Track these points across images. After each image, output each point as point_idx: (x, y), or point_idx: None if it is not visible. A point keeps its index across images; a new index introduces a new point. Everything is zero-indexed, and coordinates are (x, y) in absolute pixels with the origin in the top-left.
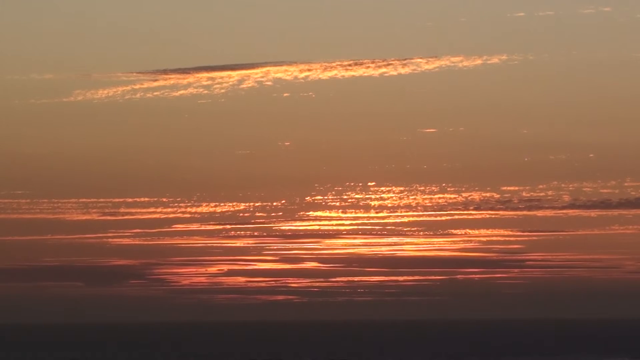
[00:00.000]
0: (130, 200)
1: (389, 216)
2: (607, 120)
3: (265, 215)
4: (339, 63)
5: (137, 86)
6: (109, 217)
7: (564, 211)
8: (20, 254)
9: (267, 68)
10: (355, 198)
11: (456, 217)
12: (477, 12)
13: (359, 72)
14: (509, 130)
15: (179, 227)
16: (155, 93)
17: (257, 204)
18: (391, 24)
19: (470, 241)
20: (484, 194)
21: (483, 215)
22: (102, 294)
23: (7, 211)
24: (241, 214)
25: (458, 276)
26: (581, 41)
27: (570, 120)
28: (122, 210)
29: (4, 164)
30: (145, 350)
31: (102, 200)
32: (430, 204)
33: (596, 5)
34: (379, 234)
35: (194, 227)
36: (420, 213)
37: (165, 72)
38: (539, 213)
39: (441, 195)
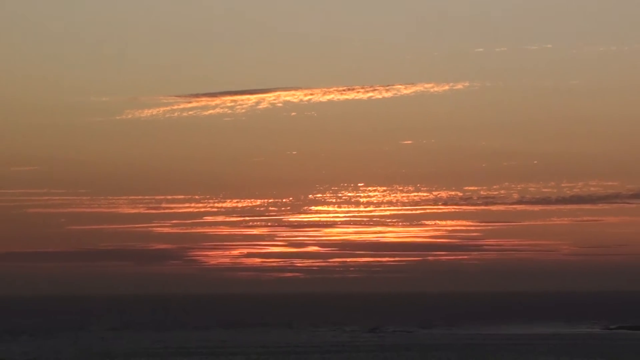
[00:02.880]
0: (169, 197)
1: (374, 210)
2: (548, 134)
3: (276, 209)
4: (335, 88)
5: (175, 107)
6: (152, 211)
7: (513, 206)
8: (83, 240)
9: (278, 92)
10: (348, 196)
11: (427, 211)
12: (446, 47)
13: (351, 95)
14: (470, 142)
15: (208, 218)
16: (189, 112)
17: (270, 200)
18: (377, 57)
19: (439, 230)
20: (450, 193)
21: (449, 209)
22: (148, 272)
23: (72, 206)
24: (257, 208)
25: (429, 258)
26: (528, 71)
27: (518, 134)
28: (163, 205)
29: (70, 169)
30: (181, 315)
31: (147, 197)
32: (407, 201)
33: (540, 43)
34: (367, 224)
35: (220, 218)
36: (399, 207)
37: (197, 95)
38: (494, 208)
39: (416, 194)
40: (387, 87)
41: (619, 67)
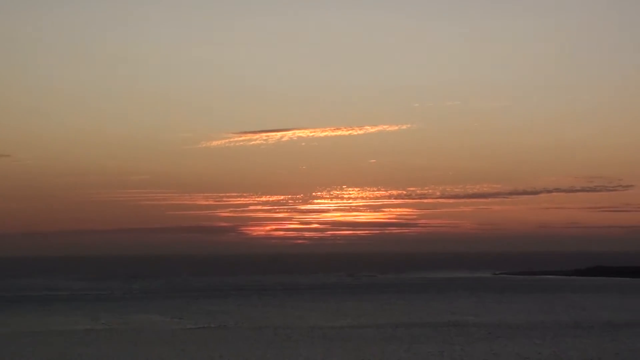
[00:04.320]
0: (228, 194)
1: (352, 202)
2: (458, 156)
3: (293, 201)
4: (329, 128)
5: (231, 140)
6: (217, 202)
7: (437, 200)
8: (174, 220)
9: (294, 131)
10: (336, 193)
11: (384, 202)
12: (397, 103)
13: (338, 133)
14: (410, 161)
15: (252, 207)
16: (240, 143)
17: (289, 196)
18: (354, 109)
19: (392, 214)
20: (398, 191)
21: (398, 202)
22: (214, 240)
23: (168, 200)
24: (281, 201)
25: (385, 231)
26: (446, 118)
27: (439, 156)
28: (224, 199)
29: (168, 177)
30: (235, 266)
31: (214, 194)
32: (372, 196)
33: (453, 101)
34: (347, 211)
35: (259, 207)
36: (367, 200)
37: (244, 132)
38: (425, 200)
39: (377, 192)
40: (360, 127)
41: (504, 116)
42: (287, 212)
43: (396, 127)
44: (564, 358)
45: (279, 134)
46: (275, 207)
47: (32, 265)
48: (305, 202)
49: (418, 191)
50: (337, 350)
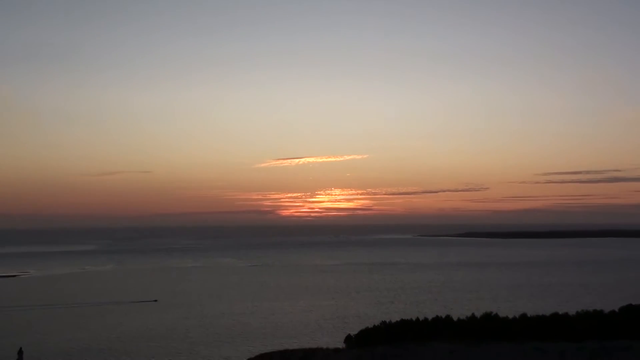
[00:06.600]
0: (268, 192)
1: (337, 197)
2: (395, 172)
3: (304, 196)
4: (324, 156)
5: (271, 163)
6: (263, 197)
7: (383, 195)
8: (238, 207)
9: (306, 158)
10: (328, 192)
11: (354, 197)
12: (361, 141)
13: (329, 159)
14: (370, 174)
15: (281, 200)
16: (275, 165)
17: (302, 193)
18: (338, 146)
19: (358, 203)
20: (362, 191)
21: (362, 197)
22: (261, 218)
23: (235, 196)
24: (298, 196)
25: (355, 213)
26: (389, 151)
27: (387, 173)
28: (267, 195)
29: (235, 184)
30: (274, 232)
31: (261, 193)
32: (347, 194)
33: (394, 141)
34: (334, 201)
35: (285, 199)
36: (345, 196)
37: (278, 159)
38: (376, 196)
39: (350, 191)
40: (341, 156)
41: (421, 150)
42: (301, 202)
43: (361, 156)
44: (451, 282)
45: (297, 159)
46: (295, 200)
47: (161, 231)
48: (312, 197)
49: (372, 191)
50: (328, 277)
